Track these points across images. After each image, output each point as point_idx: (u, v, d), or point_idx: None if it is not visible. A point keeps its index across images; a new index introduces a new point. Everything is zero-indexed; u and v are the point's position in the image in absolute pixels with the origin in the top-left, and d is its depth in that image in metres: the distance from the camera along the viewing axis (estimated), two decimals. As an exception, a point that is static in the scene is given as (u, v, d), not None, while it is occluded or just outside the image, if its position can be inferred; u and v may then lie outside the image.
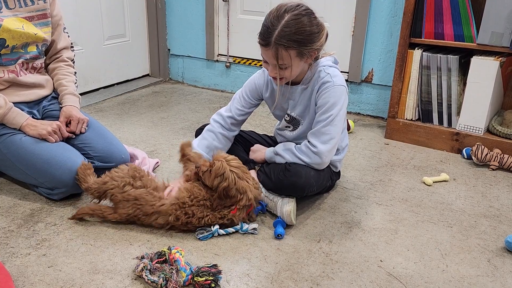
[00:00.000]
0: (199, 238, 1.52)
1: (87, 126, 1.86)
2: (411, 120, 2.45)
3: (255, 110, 1.86)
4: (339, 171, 1.88)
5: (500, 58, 2.15)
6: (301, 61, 1.54)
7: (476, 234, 1.63)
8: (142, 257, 1.37)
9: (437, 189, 1.96)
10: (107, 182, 1.55)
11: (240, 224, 1.56)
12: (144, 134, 2.46)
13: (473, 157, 2.19)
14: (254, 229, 1.57)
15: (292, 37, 1.46)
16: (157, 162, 2.06)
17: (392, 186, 1.97)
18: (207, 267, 1.32)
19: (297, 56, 1.52)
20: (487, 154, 2.16)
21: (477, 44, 2.17)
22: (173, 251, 1.38)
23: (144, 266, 1.32)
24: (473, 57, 2.19)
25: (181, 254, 1.37)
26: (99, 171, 1.73)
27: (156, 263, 1.35)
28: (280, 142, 1.86)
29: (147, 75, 3.53)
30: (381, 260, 1.47)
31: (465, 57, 2.26)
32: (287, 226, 1.61)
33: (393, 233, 1.62)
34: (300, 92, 1.67)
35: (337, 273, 1.40)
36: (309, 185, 1.61)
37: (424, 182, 2.01)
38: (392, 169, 2.14)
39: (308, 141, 1.63)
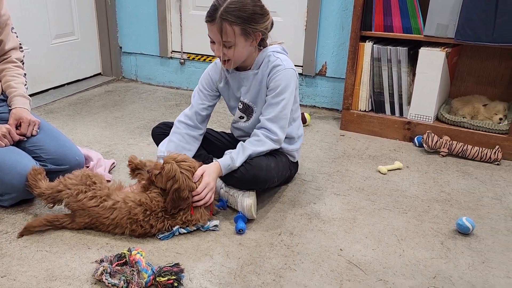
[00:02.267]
0: (160, 238, 1.50)
1: (38, 128, 1.79)
2: (365, 111, 2.51)
3: (217, 102, 1.85)
4: (297, 161, 1.91)
5: (446, 49, 2.24)
6: (246, 41, 1.57)
7: (429, 219, 1.70)
8: (101, 261, 1.34)
9: (392, 177, 2.02)
10: (62, 191, 1.50)
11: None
12: (98, 135, 2.39)
13: (424, 145, 2.28)
14: (216, 226, 1.57)
15: (236, 13, 1.52)
16: (113, 163, 2.01)
17: (349, 176, 2.02)
18: (169, 266, 1.31)
19: (241, 35, 1.55)
20: (437, 141, 2.25)
21: (424, 35, 2.25)
22: (133, 252, 1.35)
23: (103, 270, 1.29)
24: (421, 48, 2.28)
25: (141, 255, 1.35)
26: (52, 174, 1.67)
27: (116, 265, 1.32)
28: (237, 137, 1.86)
29: (99, 74, 3.43)
30: (341, 249, 1.50)
31: (413, 48, 2.34)
32: (248, 220, 1.62)
33: (351, 222, 1.66)
34: (251, 77, 1.68)
35: (299, 264, 1.42)
36: (271, 177, 1.63)
37: (379, 171, 2.07)
38: (349, 160, 2.19)
39: (266, 128, 1.64)
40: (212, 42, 1.60)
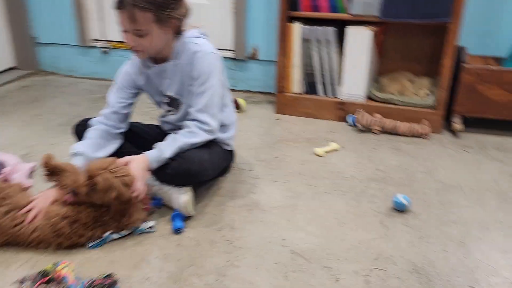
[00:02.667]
0: (89, 247, 1.38)
1: None
2: (299, 93, 2.48)
3: (138, 99, 1.73)
4: (233, 151, 1.84)
5: (372, 27, 2.26)
6: (161, 29, 1.47)
7: (367, 199, 1.71)
8: (23, 280, 1.21)
9: (329, 159, 2.02)
10: None
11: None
12: (15, 136, 2.18)
13: (357, 124, 2.30)
14: (151, 227, 1.47)
15: None
16: (33, 166, 1.83)
17: (287, 162, 1.99)
18: (101, 278, 1.21)
19: (155, 22, 1.44)
20: (369, 120, 2.28)
21: (351, 14, 2.25)
22: (59, 267, 1.23)
23: (26, 290, 1.16)
24: (348, 27, 2.27)
25: (70, 269, 1.23)
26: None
27: (40, 284, 1.19)
28: (167, 130, 1.76)
29: (14, 68, 3.14)
30: (283, 239, 1.47)
31: (341, 28, 2.33)
32: (187, 217, 1.54)
33: (292, 209, 1.63)
34: (172, 68, 1.58)
35: (242, 259, 1.37)
36: (204, 170, 1.55)
37: (316, 154, 2.06)
38: (286, 144, 2.16)
39: (197, 120, 1.56)
40: (124, 31, 1.47)
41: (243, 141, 2.16)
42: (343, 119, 2.43)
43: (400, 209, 1.62)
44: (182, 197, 1.51)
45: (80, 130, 1.68)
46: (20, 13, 3.00)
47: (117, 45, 2.98)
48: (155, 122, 1.84)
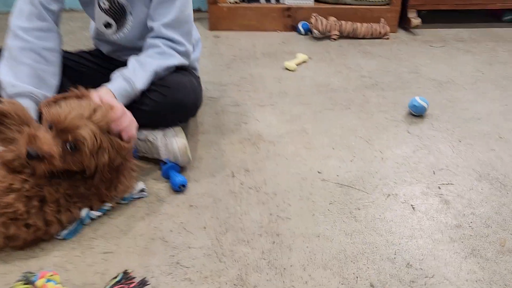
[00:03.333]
0: (62, 237, 0.89)
1: None
2: (236, 2, 2.05)
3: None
4: (199, 76, 1.39)
5: None
6: None
7: (375, 108, 1.44)
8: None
9: (303, 72, 1.69)
10: None
11: (118, 191, 0.97)
12: None
13: (314, 31, 1.98)
14: (142, 190, 1.01)
15: None
16: None
17: (260, 81, 1.60)
18: (118, 283, 0.76)
19: None
20: (326, 25, 1.97)
21: None
22: (38, 283, 0.74)
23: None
24: None
25: (56, 282, 0.75)
26: None
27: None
28: (108, 53, 1.24)
29: None
30: (319, 171, 1.14)
31: None
32: (181, 169, 1.10)
33: (302, 134, 1.30)
34: None
35: (286, 209, 1.01)
36: (198, 100, 1.12)
37: (287, 68, 1.71)
38: (245, 63, 1.76)
39: (166, 38, 1.08)
40: None
41: (192, 65, 1.70)
42: (292, 28, 2.09)
43: (419, 113, 1.39)
44: (176, 141, 1.06)
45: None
46: None
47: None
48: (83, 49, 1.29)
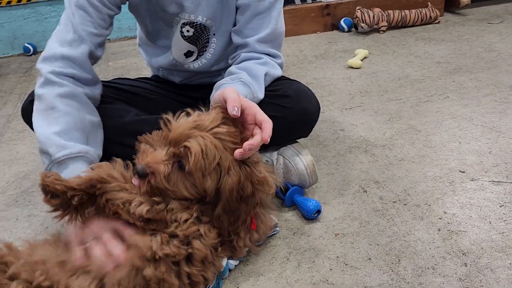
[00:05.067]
0: (209, 302, 0.68)
1: None
2: (271, 7, 1.88)
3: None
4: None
5: None
6: None
7: (477, 93, 1.27)
8: None
9: (371, 68, 1.52)
10: None
11: (249, 231, 0.77)
12: None
13: (361, 25, 1.82)
14: (275, 225, 0.81)
15: None
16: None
17: (329, 84, 1.43)
18: None
19: None
20: (373, 16, 1.81)
21: None
22: None
23: None
24: None
25: None
26: None
27: None
28: (181, 82, 1.05)
29: None
30: (461, 171, 0.95)
31: None
32: (305, 192, 0.91)
33: (415, 132, 1.11)
34: None
35: (453, 220, 0.82)
36: (319, 109, 0.92)
37: (351, 67, 1.53)
38: (300, 68, 1.59)
39: (264, 53, 0.90)
40: None
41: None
42: (332, 27, 1.93)
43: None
44: (301, 160, 0.86)
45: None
46: None
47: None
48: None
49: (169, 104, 0.99)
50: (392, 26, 1.86)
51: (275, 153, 0.89)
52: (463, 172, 0.94)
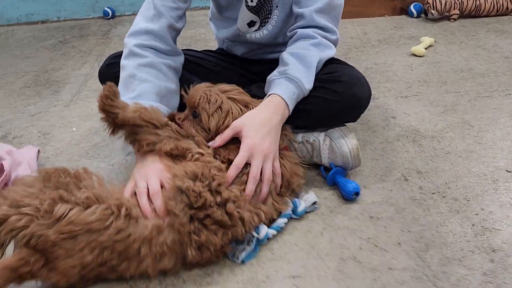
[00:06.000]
0: (242, 261, 0.76)
1: None
2: (340, -13, 1.88)
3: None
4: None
5: None
6: None
7: (541, 93, 1.23)
8: None
9: (435, 58, 1.50)
10: (6, 219, 0.64)
11: (290, 203, 0.84)
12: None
13: (432, 11, 1.77)
14: (314, 203, 0.87)
15: None
16: (38, 151, 1.09)
17: (389, 70, 1.43)
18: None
19: None
20: (445, 3, 1.76)
21: None
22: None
23: None
24: None
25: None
26: None
27: None
28: (243, 55, 1.11)
29: None
30: (508, 171, 0.95)
31: None
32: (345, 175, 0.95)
33: (466, 126, 1.11)
34: None
35: (488, 217, 0.83)
36: (370, 92, 0.95)
37: (414, 54, 1.52)
38: (362, 51, 1.59)
39: (318, 26, 0.93)
40: None
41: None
42: (402, 11, 1.90)
43: None
44: (347, 142, 0.91)
45: (113, 73, 0.95)
46: None
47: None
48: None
49: (230, 76, 1.06)
50: (464, 15, 1.80)
51: (322, 133, 0.94)
52: (510, 172, 0.94)
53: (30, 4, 2.18)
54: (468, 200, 0.87)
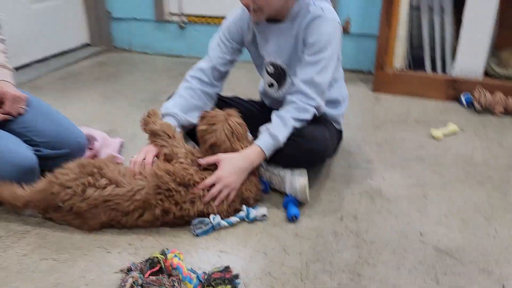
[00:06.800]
0: (196, 234, 1.19)
1: (26, 106, 1.44)
2: (402, 69, 2.20)
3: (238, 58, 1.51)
4: (341, 130, 1.60)
5: (499, -9, 1.93)
6: None
7: (512, 190, 1.42)
8: (129, 270, 1.03)
9: (449, 143, 1.73)
10: (58, 193, 1.17)
11: (246, 211, 1.24)
12: (98, 111, 2.05)
13: (475, 104, 1.99)
14: (264, 215, 1.26)
15: None
16: (122, 142, 1.67)
17: (400, 145, 1.72)
18: (219, 272, 1.01)
19: None
20: (490, 99, 1.96)
21: (473, -24, 1.93)
22: (169, 255, 1.04)
23: (134, 282, 0.98)
24: (470, -8, 1.96)
25: (180, 259, 1.04)
26: (48, 160, 1.35)
27: (150, 274, 1.01)
28: (270, 105, 1.54)
29: (88, 44, 3.03)
30: (421, 233, 1.21)
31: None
32: (300, 204, 1.32)
33: (422, 199, 1.37)
34: (285, 31, 1.36)
35: (377, 257, 1.13)
36: (327, 150, 1.33)
37: (433, 136, 1.77)
38: (393, 126, 1.89)
39: (302, 93, 1.32)
40: None
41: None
42: (454, 99, 2.13)
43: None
44: (298, 180, 1.28)
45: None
46: (95, -12, 2.88)
47: (194, 19, 2.80)
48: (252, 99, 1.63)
49: (259, 119, 1.50)
50: (509, 112, 1.97)
51: (289, 171, 1.31)
52: (422, 235, 1.20)
53: (172, 42, 2.91)
54: (372, 243, 1.17)
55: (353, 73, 2.56)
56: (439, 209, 1.32)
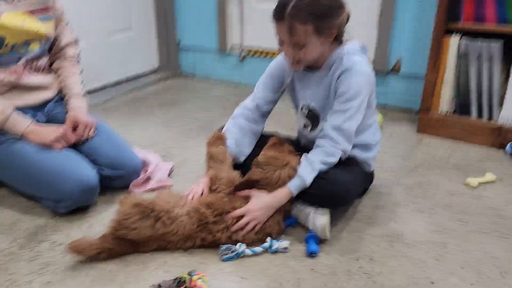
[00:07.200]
0: (223, 260, 1.34)
1: (95, 130, 1.70)
2: (447, 113, 2.23)
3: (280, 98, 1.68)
4: (373, 171, 1.69)
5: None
6: (318, 39, 1.37)
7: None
8: (159, 286, 1.19)
9: (484, 192, 1.75)
10: (126, 233, 1.32)
11: (269, 242, 1.38)
12: (156, 136, 2.28)
13: (519, 154, 1.98)
14: (285, 248, 1.38)
15: (308, 9, 1.32)
16: (172, 166, 1.88)
17: (433, 190, 1.77)
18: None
19: (314, 33, 1.35)
20: (535, 150, 1.94)
21: (523, 27, 1.95)
22: (194, 277, 1.20)
23: (161, 297, 1.15)
24: (519, 42, 1.97)
25: (203, 281, 1.20)
26: (107, 180, 1.59)
27: (176, 293, 1.17)
28: (304, 145, 1.66)
29: (156, 70, 3.33)
30: (432, 282, 1.28)
31: (509, 42, 2.03)
32: (321, 241, 1.42)
33: (441, 247, 1.43)
34: (319, 79, 1.49)
35: (384, 299, 1.21)
36: (347, 193, 1.43)
37: (468, 184, 1.80)
38: (430, 170, 1.94)
39: (330, 138, 1.44)
40: (280, 43, 1.42)
41: (379, 160, 1.98)
42: (499, 147, 2.12)
43: None
44: (319, 219, 1.40)
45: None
46: (167, 18, 3.17)
47: (253, 52, 2.99)
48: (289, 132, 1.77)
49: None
50: (555, 165, 1.94)
51: (313, 208, 1.43)
52: (433, 283, 1.27)
53: (231, 71, 3.13)
54: (382, 286, 1.26)
55: (401, 112, 2.61)
56: (456, 259, 1.37)
